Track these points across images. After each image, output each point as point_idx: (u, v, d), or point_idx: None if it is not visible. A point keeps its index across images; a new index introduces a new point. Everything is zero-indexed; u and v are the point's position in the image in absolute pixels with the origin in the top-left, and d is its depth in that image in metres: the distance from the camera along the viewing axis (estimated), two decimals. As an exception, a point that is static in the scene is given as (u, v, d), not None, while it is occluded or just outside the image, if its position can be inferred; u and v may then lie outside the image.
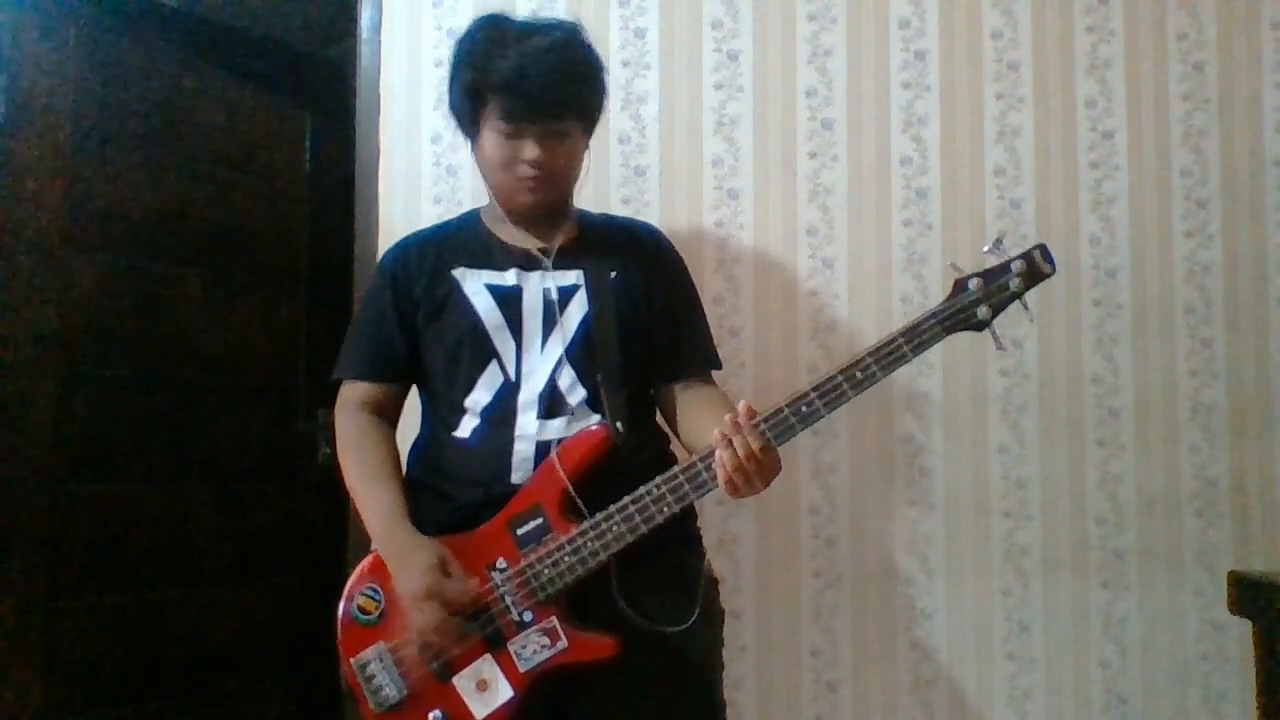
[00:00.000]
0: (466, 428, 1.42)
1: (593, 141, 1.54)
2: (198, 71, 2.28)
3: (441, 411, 1.47)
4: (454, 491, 1.41)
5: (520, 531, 1.34)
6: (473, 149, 1.48)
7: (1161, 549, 2.16)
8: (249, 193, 2.36)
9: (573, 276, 1.46)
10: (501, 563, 1.33)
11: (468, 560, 1.34)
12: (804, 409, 1.26)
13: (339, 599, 1.41)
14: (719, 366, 1.60)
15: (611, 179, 2.04)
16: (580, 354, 1.42)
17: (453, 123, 1.51)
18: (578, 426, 1.39)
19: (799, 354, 2.08)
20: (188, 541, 2.20)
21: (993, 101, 2.17)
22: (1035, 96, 2.18)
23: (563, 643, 1.31)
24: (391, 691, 1.34)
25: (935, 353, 2.12)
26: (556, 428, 1.39)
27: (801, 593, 2.06)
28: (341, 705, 2.08)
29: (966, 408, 2.12)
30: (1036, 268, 1.31)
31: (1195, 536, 2.18)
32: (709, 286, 2.05)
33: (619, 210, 2.03)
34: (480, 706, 1.31)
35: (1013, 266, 1.30)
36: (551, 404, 1.40)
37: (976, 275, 1.30)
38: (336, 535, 2.21)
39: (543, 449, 1.37)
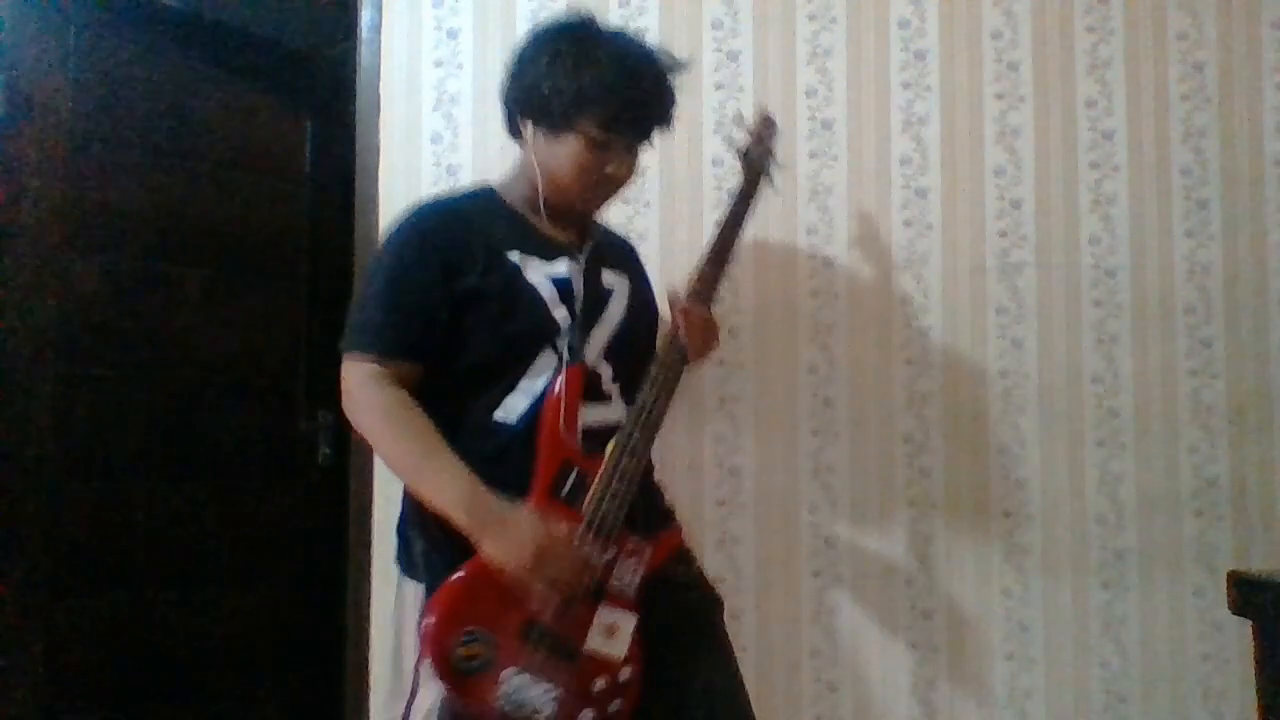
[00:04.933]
0: (512, 410, 1.40)
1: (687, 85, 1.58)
2: (198, 71, 2.28)
3: (480, 393, 1.41)
4: (494, 473, 1.36)
5: (564, 493, 1.36)
6: (532, 141, 1.46)
7: (1161, 549, 2.16)
8: (249, 193, 2.35)
9: (609, 278, 1.52)
10: (563, 525, 1.34)
11: None
12: (706, 274, 1.55)
13: (436, 668, 1.27)
14: None
15: (611, 179, 2.04)
16: (618, 349, 1.48)
17: (514, 112, 1.49)
18: (614, 416, 1.44)
19: (799, 354, 2.08)
20: (188, 541, 2.20)
21: (993, 101, 2.18)
22: (1035, 96, 2.18)
23: (648, 549, 1.40)
24: (549, 700, 1.30)
25: (935, 353, 2.13)
26: (597, 413, 1.44)
27: (801, 593, 2.06)
28: (342, 705, 2.08)
29: (966, 408, 2.12)
30: (772, 123, 1.77)
31: (1195, 536, 2.18)
32: (709, 286, 2.05)
33: (619, 210, 2.03)
34: (619, 646, 1.35)
35: (762, 132, 1.75)
36: (594, 390, 1.44)
37: (750, 144, 1.73)
38: (336, 535, 2.21)
39: (587, 434, 1.40)
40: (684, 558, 1.53)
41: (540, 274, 1.43)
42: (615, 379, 1.48)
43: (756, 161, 1.72)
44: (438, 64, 2.05)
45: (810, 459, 2.08)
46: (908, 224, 2.13)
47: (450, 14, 2.06)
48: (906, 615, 2.09)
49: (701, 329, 1.51)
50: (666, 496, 1.60)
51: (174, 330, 2.21)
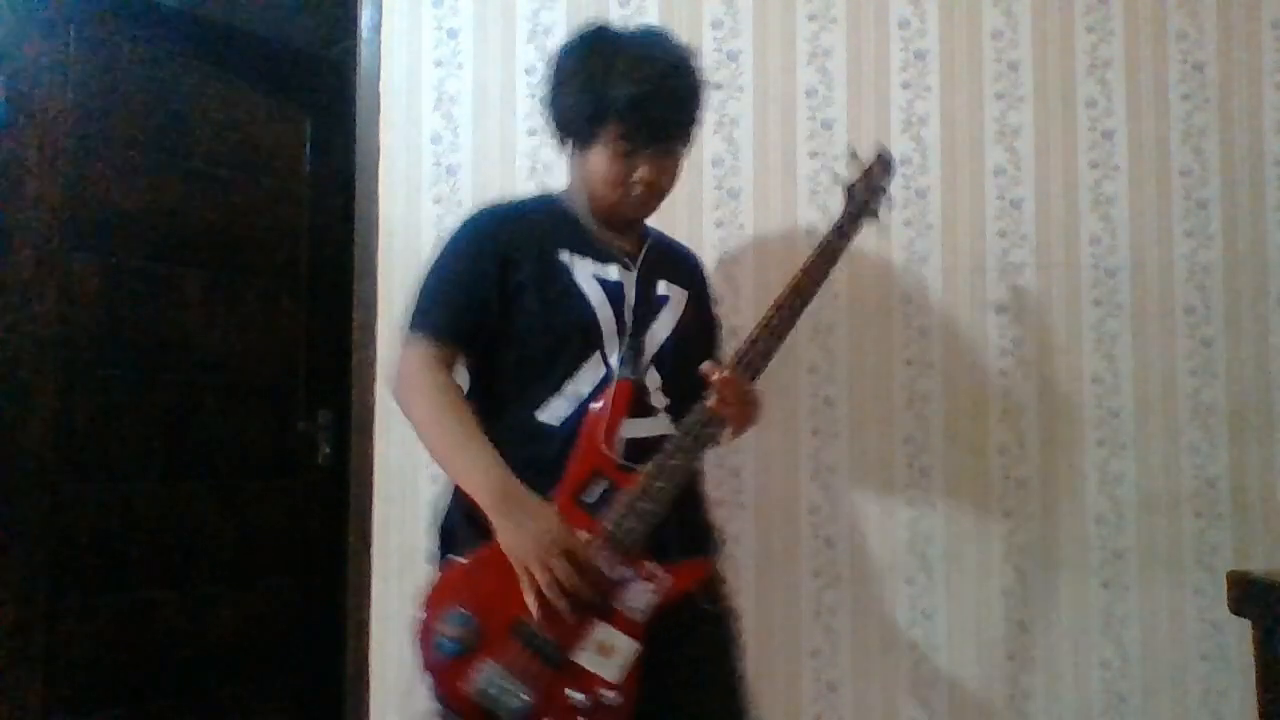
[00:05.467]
0: (555, 413, 1.41)
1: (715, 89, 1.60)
2: (198, 71, 2.28)
3: (524, 392, 1.43)
4: (530, 474, 1.37)
5: (589, 500, 1.35)
6: (571, 155, 1.50)
7: (1161, 549, 2.16)
8: (249, 193, 2.36)
9: (662, 287, 1.52)
10: (583, 534, 1.33)
11: None
12: (762, 344, 1.44)
13: (419, 639, 1.29)
14: None
15: (611, 179, 2.04)
16: (668, 361, 1.48)
17: (552, 130, 1.50)
18: (659, 428, 1.43)
19: (799, 354, 2.08)
20: (188, 541, 2.20)
21: (993, 101, 2.17)
22: (1035, 96, 2.18)
23: (665, 578, 1.36)
24: (519, 701, 1.28)
25: (935, 353, 2.13)
26: (643, 426, 1.42)
27: (801, 593, 2.06)
28: (342, 705, 2.08)
29: (968, 408, 2.12)
30: (888, 164, 1.69)
31: (1195, 536, 2.18)
32: (709, 286, 2.05)
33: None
34: (611, 669, 1.31)
35: (874, 167, 1.67)
36: (640, 403, 1.43)
37: (858, 179, 1.65)
38: (336, 535, 2.21)
39: (629, 446, 1.39)
40: (709, 591, 1.48)
41: (589, 275, 1.45)
42: (664, 391, 1.47)
43: (860, 201, 1.62)
44: (438, 64, 2.05)
45: (810, 459, 2.08)
46: (908, 224, 2.13)
47: (450, 14, 2.06)
48: (906, 615, 2.09)
49: (739, 402, 1.42)
50: (713, 532, 1.56)
51: (174, 330, 2.21)
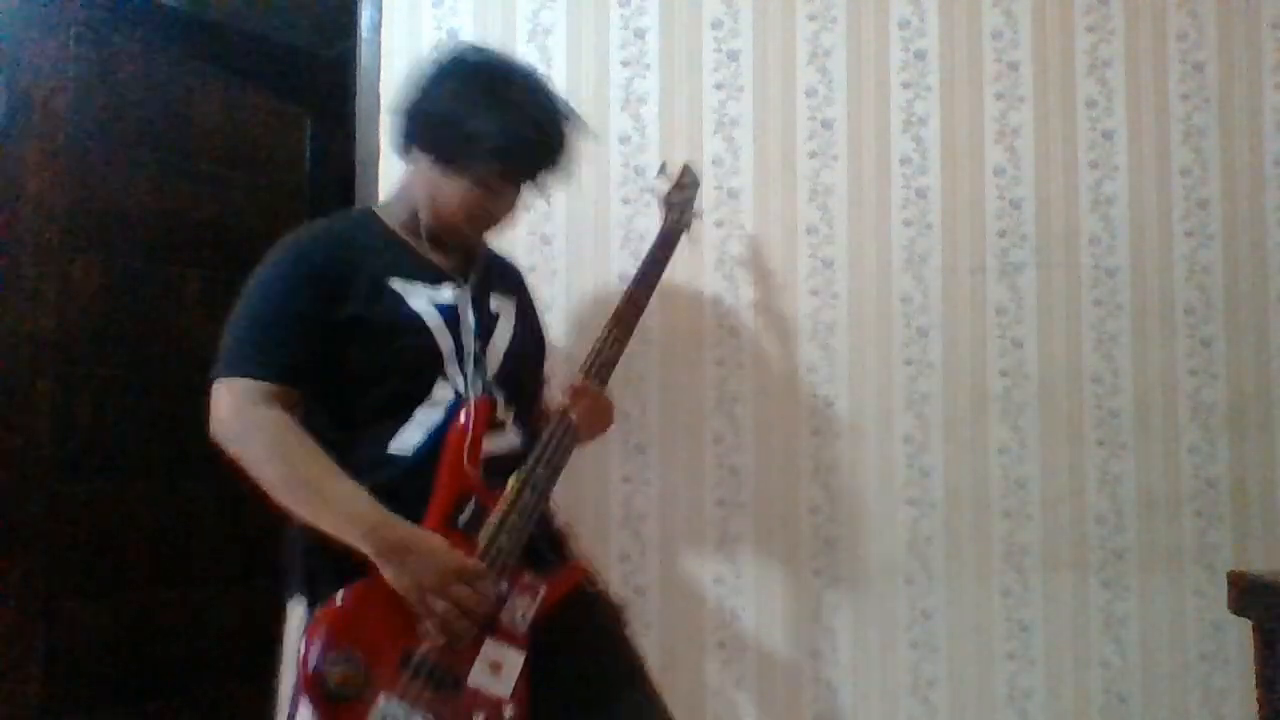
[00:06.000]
0: (406, 441, 1.36)
1: (593, 141, 1.58)
2: (198, 71, 2.28)
3: (372, 426, 1.37)
4: (386, 505, 1.31)
5: (462, 521, 1.33)
6: (417, 168, 1.44)
7: (1161, 549, 2.16)
8: (249, 193, 2.36)
9: (493, 304, 1.50)
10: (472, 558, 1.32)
11: None
12: (606, 354, 1.51)
13: (306, 689, 1.22)
14: None
15: (612, 179, 2.04)
16: (509, 375, 1.47)
17: (404, 139, 1.45)
18: (510, 442, 1.43)
19: (799, 354, 2.08)
20: (187, 541, 2.20)
21: (993, 101, 2.17)
22: (1035, 96, 2.18)
23: (543, 589, 1.37)
24: None
25: (935, 353, 2.12)
26: (496, 442, 1.41)
27: (801, 593, 2.06)
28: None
29: (966, 408, 2.12)
30: (694, 178, 1.84)
31: (1195, 536, 2.18)
32: (709, 286, 2.06)
33: (619, 210, 2.03)
34: (503, 685, 1.31)
35: (684, 180, 1.82)
36: (491, 419, 1.41)
37: (671, 191, 1.80)
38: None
39: (485, 464, 1.37)
40: (585, 582, 1.48)
41: (424, 301, 1.40)
42: (508, 405, 1.45)
43: (678, 211, 1.76)
44: (438, 64, 2.05)
45: (810, 459, 2.08)
46: (908, 224, 2.13)
47: (450, 14, 2.06)
48: (906, 615, 2.09)
49: (592, 409, 1.46)
50: (570, 537, 1.56)
51: (174, 330, 2.22)
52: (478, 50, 1.47)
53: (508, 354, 1.47)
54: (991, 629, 2.11)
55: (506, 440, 1.43)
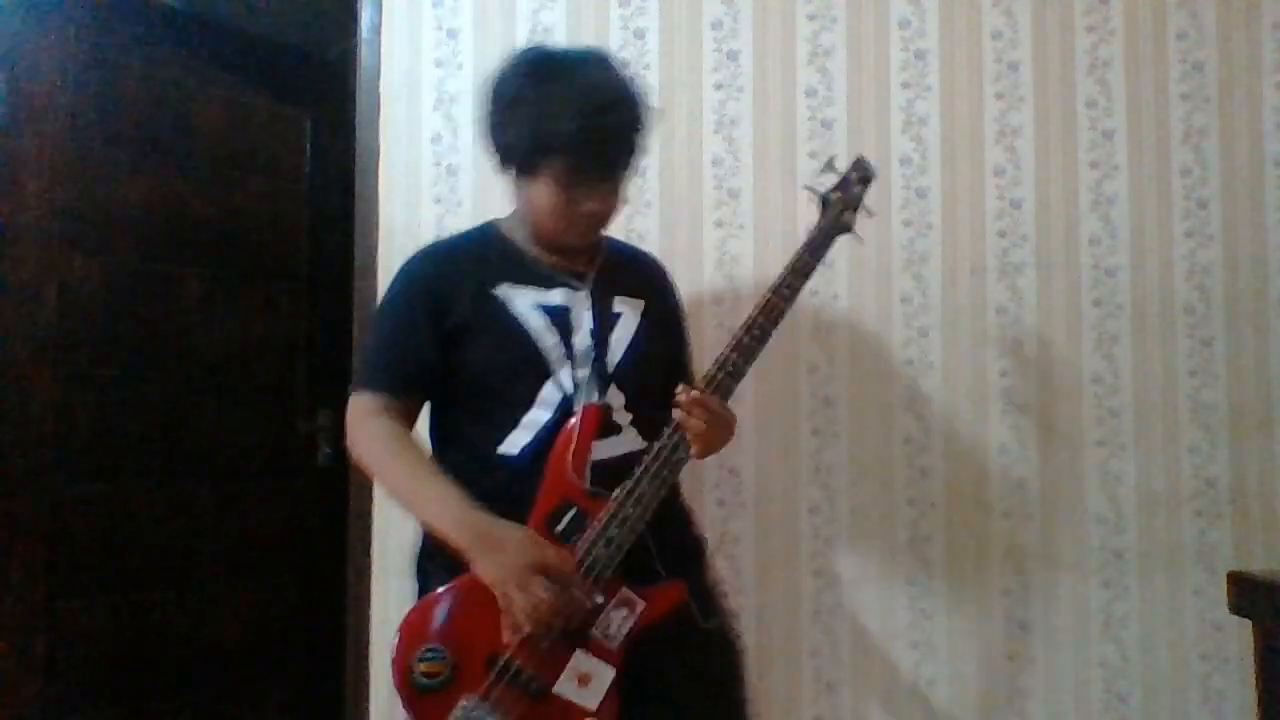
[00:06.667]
0: (515, 444, 1.39)
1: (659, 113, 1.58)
2: (198, 71, 2.28)
3: (481, 428, 1.42)
4: (497, 507, 1.35)
5: (559, 529, 1.34)
6: (515, 183, 1.46)
7: (1161, 549, 2.16)
8: (249, 193, 2.36)
9: (616, 304, 1.49)
10: (562, 552, 1.33)
11: None
12: (731, 365, 1.42)
13: (396, 676, 1.28)
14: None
15: (611, 179, 2.04)
16: (628, 377, 1.45)
17: (492, 158, 1.46)
18: (625, 446, 1.42)
19: (799, 354, 2.08)
20: (187, 541, 2.20)
21: (993, 101, 2.17)
22: (1035, 96, 2.18)
23: (640, 605, 1.35)
24: None
25: (935, 353, 2.12)
26: (609, 446, 1.40)
27: (801, 593, 2.06)
28: (342, 705, 2.08)
29: (966, 408, 2.12)
30: (867, 173, 1.60)
31: (1195, 536, 2.18)
32: (709, 286, 2.05)
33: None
34: (591, 698, 1.30)
35: (850, 176, 1.59)
36: (604, 424, 1.41)
37: (833, 190, 1.58)
38: (336, 535, 2.21)
39: (596, 468, 1.37)
40: (702, 610, 1.45)
41: (529, 303, 1.42)
42: (628, 408, 1.45)
43: (835, 215, 1.56)
44: (438, 64, 2.05)
45: (810, 459, 2.08)
46: (908, 224, 2.13)
47: (450, 14, 2.06)
48: (906, 615, 2.09)
49: (710, 424, 1.38)
50: (700, 547, 1.55)
51: (174, 330, 2.21)
52: (520, 56, 1.45)
53: (629, 354, 1.46)
54: (991, 629, 2.11)
55: (623, 444, 1.42)
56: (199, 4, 2.33)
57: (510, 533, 1.30)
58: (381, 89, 2.04)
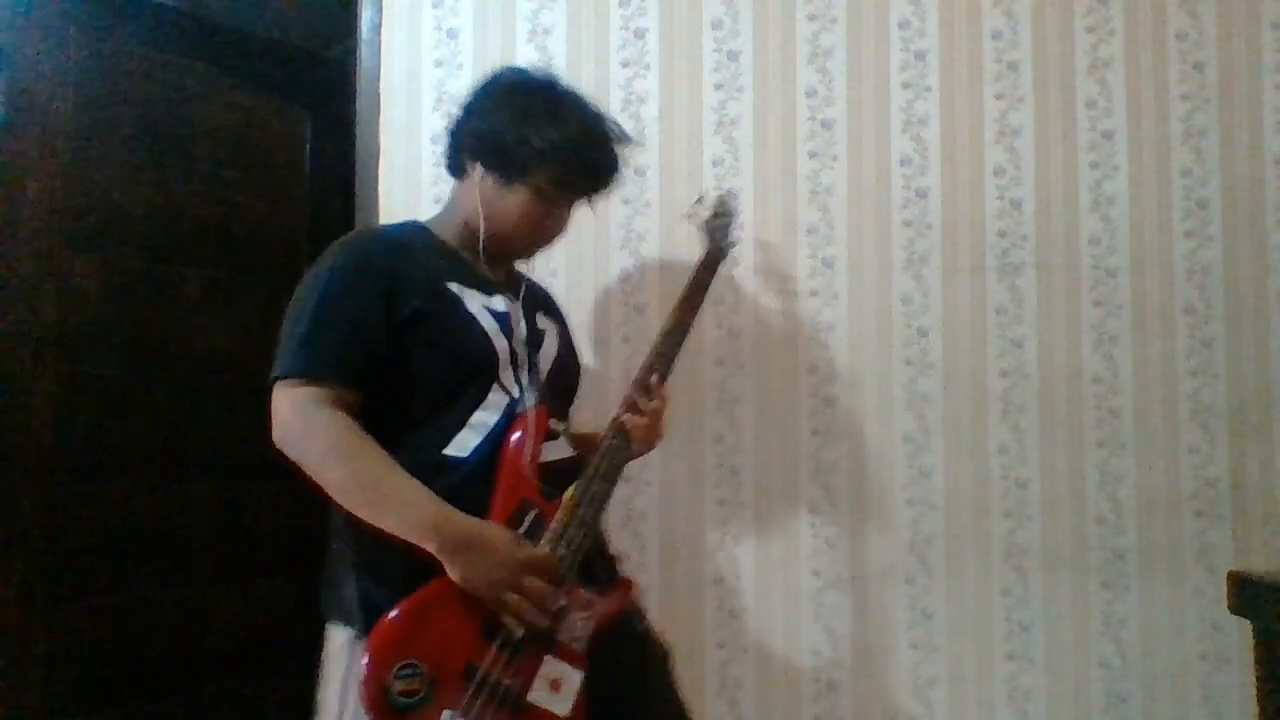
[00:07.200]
0: (465, 445, 1.36)
1: (634, 148, 1.65)
2: (198, 71, 2.28)
3: (429, 427, 1.37)
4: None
5: (522, 530, 1.33)
6: (485, 185, 1.45)
7: (1161, 549, 2.16)
8: (249, 193, 2.35)
9: (539, 321, 1.54)
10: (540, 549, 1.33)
11: None
12: (652, 371, 1.53)
13: (369, 698, 1.20)
14: None
15: (611, 179, 2.04)
16: (556, 387, 1.51)
17: (458, 156, 1.51)
18: (564, 452, 1.46)
19: (799, 354, 2.08)
20: (187, 541, 2.20)
21: (993, 101, 2.17)
22: (1035, 96, 2.18)
23: (600, 603, 1.37)
24: None
25: (935, 353, 2.13)
26: (552, 450, 1.43)
27: (801, 593, 2.06)
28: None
29: (966, 408, 2.12)
30: (728, 205, 1.83)
31: (1195, 536, 2.18)
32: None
33: (619, 210, 2.04)
34: (563, 703, 1.29)
35: (722, 206, 1.82)
36: (548, 427, 1.45)
37: (710, 217, 1.81)
38: (336, 535, 2.21)
39: (541, 469, 1.38)
40: (636, 612, 1.51)
41: (479, 305, 1.42)
42: (557, 413, 1.50)
43: (717, 236, 1.77)
44: (438, 64, 2.05)
45: (810, 459, 2.08)
46: (908, 224, 2.13)
47: (450, 14, 2.06)
48: (906, 615, 2.09)
49: (644, 423, 1.49)
50: (612, 551, 1.58)
51: (174, 330, 2.21)
52: (533, 72, 1.52)
53: (554, 366, 1.51)
54: (991, 629, 2.11)
55: (561, 449, 1.46)
56: (199, 4, 2.33)
57: (489, 533, 1.28)
58: (381, 89, 2.04)
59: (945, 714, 2.08)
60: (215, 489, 2.25)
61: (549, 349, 1.52)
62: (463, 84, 2.05)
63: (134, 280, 2.16)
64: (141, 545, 2.13)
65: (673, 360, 1.56)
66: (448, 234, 1.50)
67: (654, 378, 1.52)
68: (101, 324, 2.10)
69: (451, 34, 2.05)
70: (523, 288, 1.55)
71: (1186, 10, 2.25)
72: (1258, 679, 1.55)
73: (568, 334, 1.63)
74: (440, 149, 2.03)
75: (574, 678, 1.31)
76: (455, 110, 1.53)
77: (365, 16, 2.07)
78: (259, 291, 2.37)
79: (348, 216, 2.14)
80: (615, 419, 1.47)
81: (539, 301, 1.60)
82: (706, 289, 1.69)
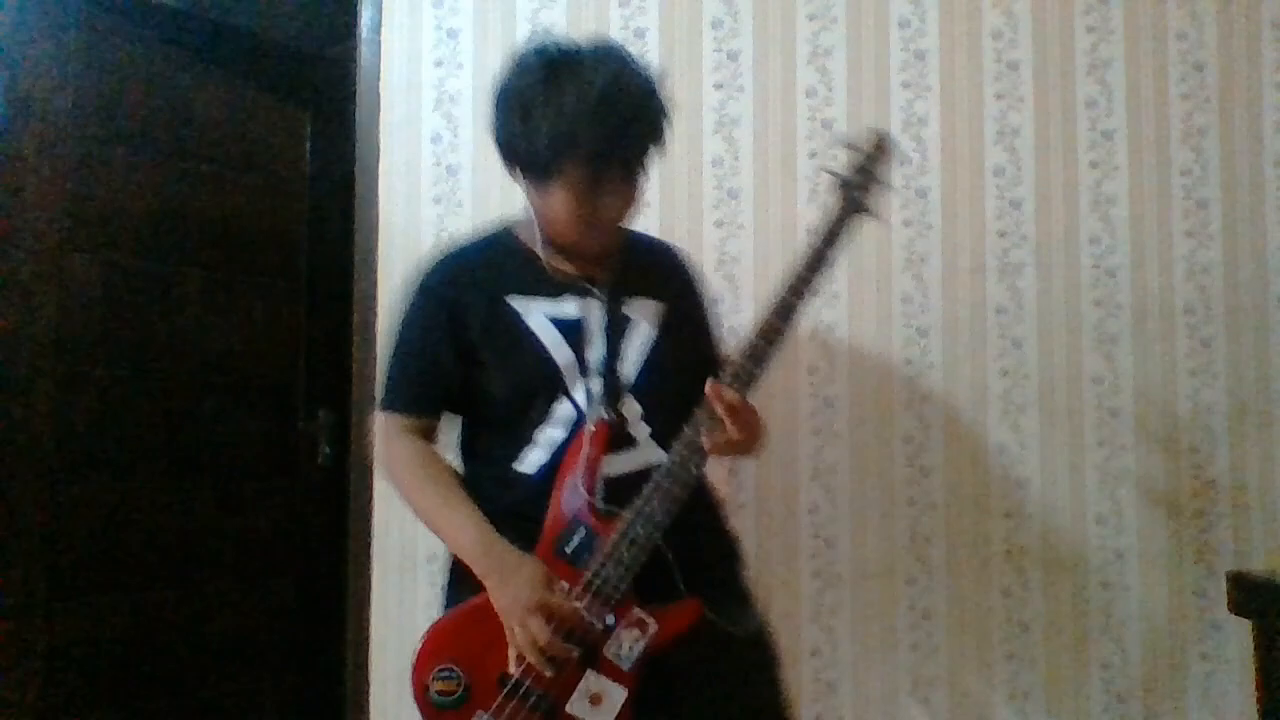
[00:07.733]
0: (531, 462, 1.38)
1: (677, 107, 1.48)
2: (198, 71, 2.28)
3: (499, 443, 1.41)
4: (514, 525, 1.35)
5: (569, 550, 1.33)
6: (529, 189, 1.40)
7: (1161, 549, 2.16)
8: (249, 193, 2.36)
9: (631, 308, 1.44)
10: (564, 585, 1.31)
11: None
12: (754, 350, 1.36)
13: (414, 692, 1.31)
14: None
15: (611, 179, 2.04)
16: (645, 387, 1.41)
17: (502, 161, 1.40)
18: (643, 459, 1.38)
19: (799, 354, 2.08)
20: (188, 541, 2.20)
21: (993, 101, 2.17)
22: (1035, 96, 2.18)
23: (652, 626, 1.33)
24: None
25: (935, 353, 2.12)
26: (624, 461, 1.38)
27: (801, 593, 2.06)
28: (342, 705, 2.08)
29: (966, 408, 2.12)
30: (885, 148, 1.49)
31: (1195, 536, 2.18)
32: (709, 286, 2.05)
33: (619, 210, 2.03)
34: (603, 717, 1.31)
35: (865, 150, 1.49)
36: (619, 437, 1.38)
37: (852, 171, 1.49)
38: (336, 535, 2.21)
39: (611, 484, 1.35)
40: (732, 615, 1.40)
41: (542, 317, 1.40)
42: (645, 419, 1.40)
43: (855, 194, 1.48)
44: (438, 64, 2.05)
45: (810, 459, 2.08)
46: (908, 224, 2.13)
47: (450, 14, 2.06)
48: (906, 615, 2.09)
49: (734, 420, 1.32)
50: (729, 553, 1.51)
51: (174, 330, 2.21)
52: (526, 57, 1.36)
53: (644, 364, 1.41)
54: (991, 629, 2.11)
55: (640, 458, 1.38)
56: (199, 4, 2.33)
57: (523, 566, 1.31)
58: (381, 89, 2.04)
59: (945, 714, 2.08)
60: (215, 489, 2.26)
61: (636, 342, 1.42)
62: (463, 84, 2.05)
63: (134, 280, 2.16)
64: (141, 545, 2.14)
65: (773, 348, 1.36)
66: (526, 235, 1.46)
67: (739, 367, 1.34)
68: (101, 324, 2.10)
69: (451, 34, 2.05)
70: (610, 273, 1.44)
71: (1186, 10, 2.25)
72: (1258, 679, 1.55)
73: (681, 311, 1.49)
74: (440, 149, 2.06)
75: (616, 694, 1.31)
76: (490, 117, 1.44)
77: (365, 16, 2.07)
78: (259, 291, 2.37)
79: (348, 216, 2.14)
80: (684, 434, 1.33)
81: (641, 279, 1.47)
82: (827, 261, 1.43)
